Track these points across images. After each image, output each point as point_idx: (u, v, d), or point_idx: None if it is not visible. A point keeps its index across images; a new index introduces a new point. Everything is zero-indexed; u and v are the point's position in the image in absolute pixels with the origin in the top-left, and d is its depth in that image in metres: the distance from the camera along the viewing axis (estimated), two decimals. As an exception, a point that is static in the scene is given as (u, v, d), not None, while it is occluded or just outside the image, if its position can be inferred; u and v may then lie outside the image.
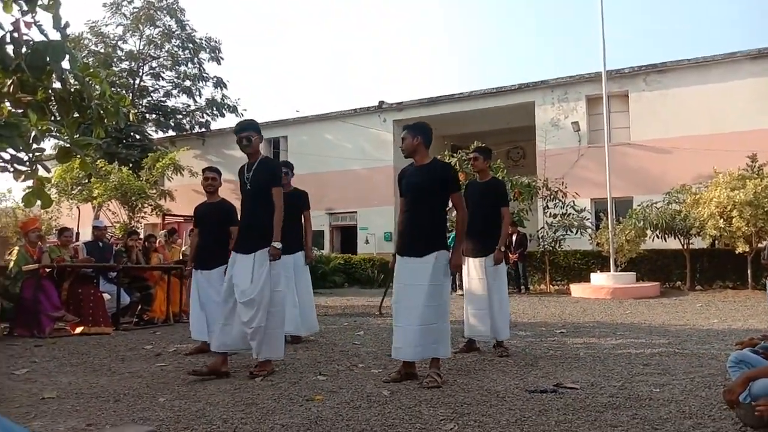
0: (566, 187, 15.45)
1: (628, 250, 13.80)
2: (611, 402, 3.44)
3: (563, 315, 8.91)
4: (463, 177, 13.46)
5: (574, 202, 15.38)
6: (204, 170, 6.07)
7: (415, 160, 4.41)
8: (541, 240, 15.56)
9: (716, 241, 13.53)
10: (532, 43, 56.67)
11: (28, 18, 4.87)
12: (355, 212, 21.63)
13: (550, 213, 15.50)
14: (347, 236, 22.14)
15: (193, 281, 6.01)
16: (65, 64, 5.22)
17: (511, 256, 14.00)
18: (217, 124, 26.59)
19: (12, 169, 5.81)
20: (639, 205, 14.54)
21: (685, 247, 13.80)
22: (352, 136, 21.71)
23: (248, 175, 4.57)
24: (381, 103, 21.35)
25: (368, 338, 6.46)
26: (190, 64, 26.47)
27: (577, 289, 13.39)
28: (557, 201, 15.37)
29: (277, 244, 4.48)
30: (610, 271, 13.46)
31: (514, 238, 14.27)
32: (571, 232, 15.04)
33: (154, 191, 20.22)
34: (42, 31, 5.02)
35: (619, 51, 52.03)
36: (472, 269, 5.42)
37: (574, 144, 18.04)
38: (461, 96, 20.07)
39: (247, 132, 4.62)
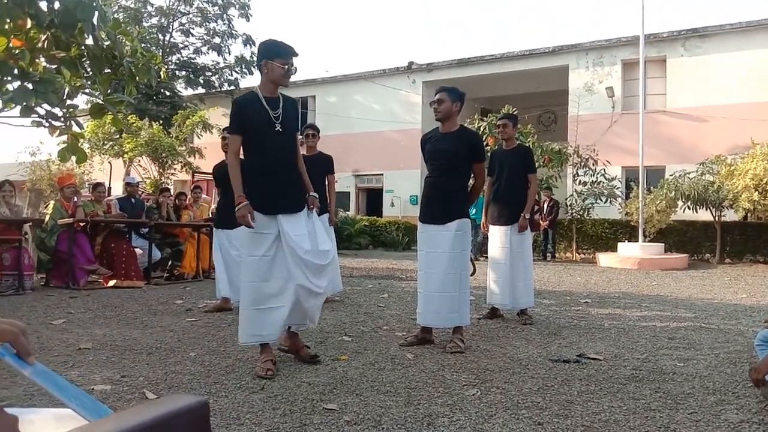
0: (597, 155, 15.17)
1: (657, 221, 13.55)
2: (634, 374, 3.44)
3: (588, 284, 8.86)
4: (492, 141, 13.32)
5: (605, 170, 15.11)
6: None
7: (443, 126, 4.29)
8: (569, 208, 15.39)
9: (749, 214, 13.21)
10: (568, 5, 54.89)
11: (61, -27, 4.87)
12: (382, 174, 21.60)
13: (580, 181, 15.27)
14: (373, 198, 22.18)
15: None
16: (96, 21, 5.24)
17: (541, 222, 13.93)
18: (246, 82, 26.55)
19: (47, 124, 5.92)
20: (672, 175, 14.21)
21: (717, 219, 13.52)
22: (380, 98, 21.51)
23: (277, 113, 3.59)
24: (410, 63, 21.01)
25: (392, 301, 6.54)
26: (219, 21, 26.34)
27: (604, 259, 13.27)
28: (588, 168, 15.12)
29: (315, 193, 3.88)
30: (638, 241, 13.27)
31: (546, 205, 14.16)
32: (601, 200, 14.82)
33: (184, 148, 20.41)
34: (74, -14, 5.01)
35: (658, 14, 50.09)
36: (496, 237, 5.42)
37: (607, 110, 17.58)
38: (493, 57, 19.63)
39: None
